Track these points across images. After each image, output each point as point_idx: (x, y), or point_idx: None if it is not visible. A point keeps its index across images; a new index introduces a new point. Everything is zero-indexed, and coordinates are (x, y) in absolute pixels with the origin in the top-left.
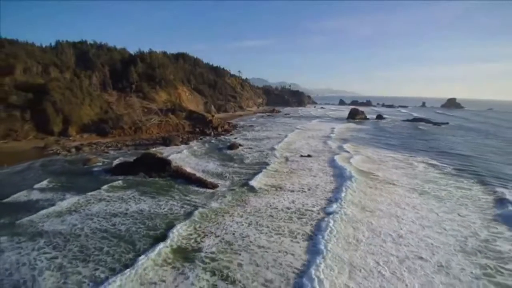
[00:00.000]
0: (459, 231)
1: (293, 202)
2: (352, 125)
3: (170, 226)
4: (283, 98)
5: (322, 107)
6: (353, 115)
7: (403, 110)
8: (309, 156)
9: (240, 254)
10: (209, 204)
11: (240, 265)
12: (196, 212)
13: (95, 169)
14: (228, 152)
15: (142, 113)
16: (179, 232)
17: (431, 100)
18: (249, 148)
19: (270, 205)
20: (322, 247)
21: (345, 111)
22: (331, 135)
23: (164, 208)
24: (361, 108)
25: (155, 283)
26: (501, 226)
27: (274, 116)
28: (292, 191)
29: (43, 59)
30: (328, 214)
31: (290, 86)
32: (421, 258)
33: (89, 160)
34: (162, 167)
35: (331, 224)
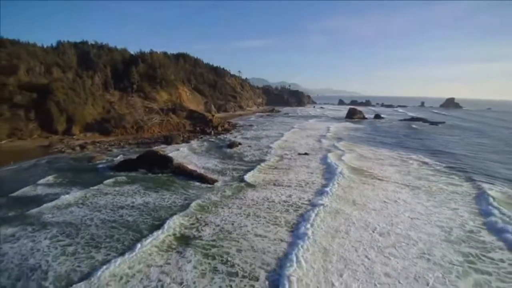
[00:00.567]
0: (445, 222)
1: (286, 195)
2: (349, 124)
3: (179, 218)
4: (283, 98)
5: (321, 107)
6: (351, 115)
7: (400, 110)
8: (306, 154)
9: (238, 241)
10: (210, 198)
11: (239, 250)
12: (198, 205)
13: (100, 166)
14: (228, 150)
15: (143, 113)
16: (182, 222)
17: (430, 100)
18: (249, 146)
19: (267, 199)
20: (306, 233)
21: (343, 111)
22: (327, 134)
23: (168, 201)
24: (360, 108)
25: (161, 266)
26: (486, 219)
27: (273, 115)
28: (284, 186)
29: (45, 60)
30: (314, 206)
31: (290, 86)
32: (406, 245)
33: (94, 158)
34: (164, 164)
35: (313, 216)
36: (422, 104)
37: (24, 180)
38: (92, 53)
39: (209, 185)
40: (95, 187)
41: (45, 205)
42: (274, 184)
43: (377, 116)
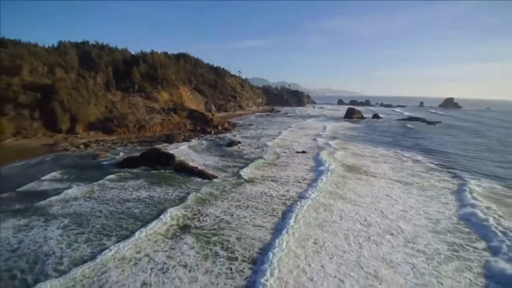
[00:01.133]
0: (434, 215)
1: (280, 189)
2: (346, 124)
3: (180, 209)
4: (283, 98)
5: (320, 107)
6: (350, 114)
7: (399, 110)
8: (303, 152)
9: (237, 231)
10: (211, 192)
11: (238, 238)
12: (199, 198)
13: (104, 163)
14: (228, 148)
15: (145, 112)
16: (185, 213)
17: (430, 100)
18: (248, 145)
19: (265, 193)
20: (288, 225)
21: (342, 110)
22: (322, 133)
23: (171, 195)
24: (359, 108)
25: (166, 251)
26: (471, 210)
27: (272, 115)
28: (279, 181)
29: (48, 60)
30: (301, 198)
31: (289, 86)
32: (391, 234)
33: (98, 155)
34: (166, 161)
35: (297, 209)
36: (421, 104)
37: (32, 176)
38: (93, 53)
39: (209, 181)
40: (101, 182)
41: (54, 198)
42: (271, 180)
43: (375, 116)
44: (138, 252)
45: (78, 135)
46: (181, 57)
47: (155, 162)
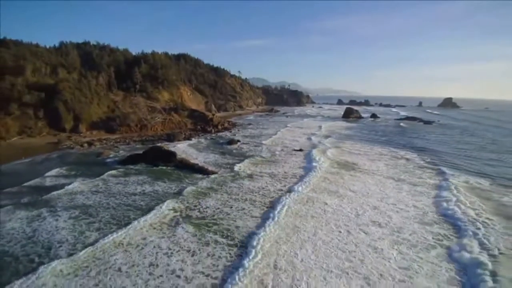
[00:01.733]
0: (422, 208)
1: (275, 184)
2: (342, 123)
3: (184, 201)
4: (282, 98)
5: (319, 107)
6: (348, 114)
7: (396, 110)
8: (300, 150)
9: (235, 221)
10: (211, 186)
11: (237, 227)
12: (201, 192)
13: (108, 160)
14: (227, 146)
15: (147, 112)
16: (187, 205)
17: (429, 100)
18: (247, 143)
19: (263, 188)
20: (272, 217)
21: (340, 110)
22: (317, 132)
23: (174, 189)
24: (358, 108)
25: (169, 237)
26: (458, 205)
27: (272, 115)
28: (274, 176)
29: (50, 60)
30: (288, 192)
31: (289, 86)
32: (379, 224)
33: (102, 153)
34: (168, 158)
35: (283, 202)
36: (420, 104)
37: (39, 172)
38: (94, 54)
39: (210, 176)
40: (106, 178)
41: (62, 192)
42: (266, 175)
43: (373, 116)
44: (144, 239)
45: (81, 134)
46: (182, 58)
47: (157, 159)
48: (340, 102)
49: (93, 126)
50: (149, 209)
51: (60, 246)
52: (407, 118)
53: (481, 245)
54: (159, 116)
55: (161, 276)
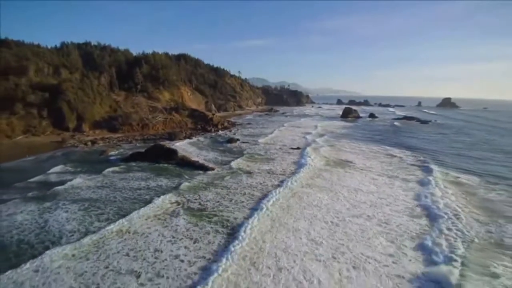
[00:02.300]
0: (411, 202)
1: (270, 179)
2: (339, 122)
3: (188, 196)
4: (282, 98)
5: (319, 107)
6: (346, 114)
7: (395, 110)
8: (298, 148)
9: (234, 213)
10: (212, 182)
11: (235, 218)
12: (202, 187)
13: (112, 158)
14: (227, 145)
15: (148, 111)
16: (189, 198)
17: (429, 100)
18: (246, 142)
19: (261, 183)
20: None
21: (339, 110)
22: (313, 131)
23: (177, 184)
24: (357, 108)
25: (172, 226)
26: (444, 200)
27: (271, 115)
28: (271, 172)
29: (52, 61)
30: (280, 186)
31: (289, 86)
32: (367, 216)
33: (105, 151)
34: (170, 156)
35: (272, 195)
36: (419, 104)
37: (45, 168)
38: (95, 54)
39: (210, 172)
40: (111, 174)
41: (69, 187)
42: (262, 171)
43: (372, 115)
44: (149, 228)
45: (84, 133)
46: (182, 58)
47: (159, 157)
48: (339, 102)
49: (96, 126)
50: (153, 202)
51: (72, 234)
52: (405, 118)
53: (457, 235)
54: (160, 116)
55: (165, 259)
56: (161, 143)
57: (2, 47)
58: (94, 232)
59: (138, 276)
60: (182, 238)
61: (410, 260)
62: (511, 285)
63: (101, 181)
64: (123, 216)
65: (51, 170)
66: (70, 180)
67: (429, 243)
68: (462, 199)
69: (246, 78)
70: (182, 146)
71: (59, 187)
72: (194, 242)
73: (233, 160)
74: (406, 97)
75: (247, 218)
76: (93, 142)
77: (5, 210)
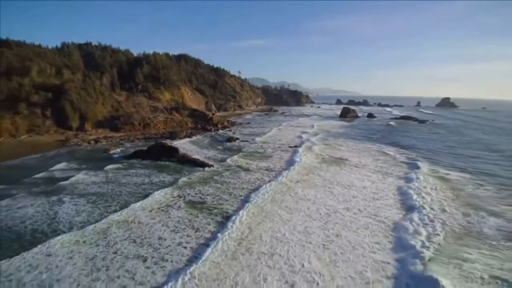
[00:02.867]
0: (400, 196)
1: (267, 175)
2: (336, 122)
3: (188, 189)
4: (281, 98)
5: (318, 107)
6: (345, 114)
7: (393, 109)
8: (295, 146)
9: (233, 206)
10: (212, 177)
11: (234, 210)
12: (203, 182)
13: (115, 155)
14: (226, 144)
15: (149, 111)
16: (189, 192)
17: (428, 99)
18: (245, 141)
19: (259, 179)
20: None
21: (337, 110)
22: (309, 130)
23: (179, 180)
24: (357, 108)
25: (176, 217)
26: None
27: (270, 114)
28: (268, 169)
29: (55, 61)
30: (269, 181)
31: (289, 86)
32: (358, 209)
33: (108, 149)
34: (171, 154)
35: (262, 189)
36: (418, 103)
37: (51, 165)
38: (96, 54)
39: (210, 169)
40: (115, 171)
41: (76, 182)
42: (259, 168)
43: (370, 115)
44: (153, 218)
45: (87, 132)
46: (182, 58)
47: (161, 155)
48: (338, 102)
49: (98, 125)
50: (156, 196)
51: (82, 225)
52: (403, 118)
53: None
54: (161, 116)
55: (169, 246)
56: (163, 141)
57: (3, 48)
58: (103, 222)
59: (145, 260)
60: (184, 228)
61: (393, 247)
62: (481, 269)
63: (106, 177)
64: (129, 208)
65: (57, 167)
66: (76, 176)
67: (411, 231)
68: (449, 194)
69: (246, 78)
70: (183, 145)
71: (66, 182)
72: (196, 231)
73: (231, 158)
74: (406, 97)
75: (238, 209)
76: (96, 141)
77: (16, 204)
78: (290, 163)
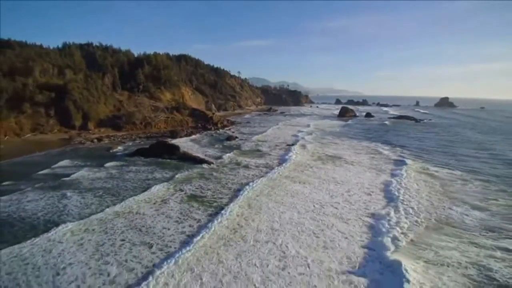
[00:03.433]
0: (387, 191)
1: (264, 171)
2: (334, 121)
3: (187, 184)
4: (281, 98)
5: (317, 106)
6: (343, 113)
7: (387, 109)
8: (293, 144)
9: (232, 199)
10: (212, 173)
11: (227, 202)
12: (203, 177)
13: (119, 153)
14: (226, 142)
15: (150, 111)
16: (190, 187)
17: (428, 99)
18: (243, 139)
19: (256, 175)
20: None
21: (335, 109)
22: (304, 129)
23: (181, 176)
24: (357, 107)
25: (178, 209)
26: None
27: (269, 114)
28: (266, 166)
29: (57, 62)
30: (261, 177)
31: (288, 86)
32: (349, 202)
33: (111, 148)
34: (172, 151)
35: (257, 182)
36: (417, 103)
37: (57, 162)
38: (97, 55)
39: (210, 166)
40: (119, 167)
41: (82, 177)
42: (254, 164)
43: (368, 115)
44: (157, 210)
45: (90, 131)
46: (182, 58)
47: (162, 152)
48: (338, 101)
49: (100, 124)
50: (160, 190)
51: (91, 215)
52: (400, 117)
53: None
54: (162, 115)
55: (172, 235)
56: (164, 140)
57: (5, 48)
58: (110, 213)
59: (150, 247)
60: (187, 219)
61: (375, 236)
62: (459, 255)
63: (111, 173)
64: (134, 201)
65: (63, 164)
66: (82, 172)
67: (393, 222)
68: (437, 190)
69: (246, 78)
70: (184, 143)
71: (73, 178)
72: (197, 222)
73: (231, 155)
74: (407, 97)
75: (230, 202)
76: (99, 140)
77: (25, 198)
78: (283, 160)
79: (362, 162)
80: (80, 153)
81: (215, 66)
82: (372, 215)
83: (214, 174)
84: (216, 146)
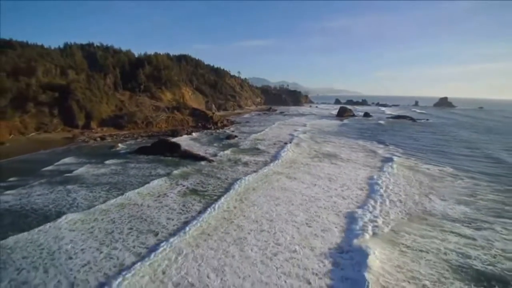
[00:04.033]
0: (380, 185)
1: (262, 168)
2: (331, 121)
3: (189, 179)
4: (281, 98)
5: (316, 106)
6: (342, 113)
7: (385, 108)
8: (290, 142)
9: (231, 194)
10: (212, 170)
11: (222, 193)
12: (204, 174)
13: (121, 151)
14: (226, 141)
15: (151, 110)
16: (191, 182)
17: (427, 99)
18: (242, 138)
19: (254, 171)
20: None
21: (333, 109)
22: (301, 128)
23: (182, 172)
24: (356, 107)
25: (180, 203)
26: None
27: (269, 114)
28: (253, 162)
29: (59, 62)
30: (254, 172)
31: (288, 86)
32: (343, 197)
33: (114, 146)
34: (173, 149)
35: (249, 177)
36: (416, 103)
37: (62, 160)
38: (98, 55)
39: (210, 163)
40: (123, 164)
41: (88, 173)
42: (250, 162)
43: (366, 115)
44: (160, 202)
45: (93, 130)
46: (183, 58)
47: (164, 151)
48: (337, 101)
49: (103, 123)
50: (162, 185)
51: (99, 206)
52: (398, 117)
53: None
54: (163, 114)
55: (175, 225)
56: (165, 138)
57: (6, 48)
58: (116, 205)
59: (156, 234)
60: (189, 211)
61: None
62: (438, 243)
63: (115, 170)
64: (138, 194)
65: (68, 161)
66: (87, 169)
67: (376, 213)
68: (426, 185)
69: (246, 78)
70: (184, 142)
71: (79, 174)
72: (199, 213)
73: (230, 153)
74: (406, 97)
75: (224, 193)
76: (102, 138)
77: (35, 192)
78: (278, 157)
79: (354, 159)
80: (84, 151)
81: (215, 66)
82: (358, 207)
83: (214, 170)
84: (216, 144)
